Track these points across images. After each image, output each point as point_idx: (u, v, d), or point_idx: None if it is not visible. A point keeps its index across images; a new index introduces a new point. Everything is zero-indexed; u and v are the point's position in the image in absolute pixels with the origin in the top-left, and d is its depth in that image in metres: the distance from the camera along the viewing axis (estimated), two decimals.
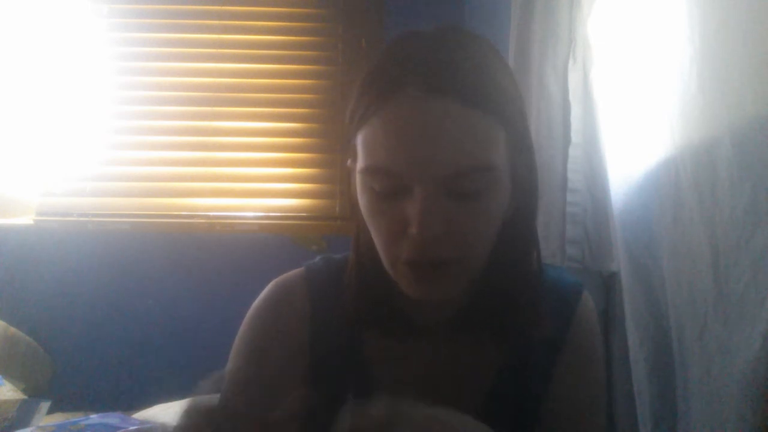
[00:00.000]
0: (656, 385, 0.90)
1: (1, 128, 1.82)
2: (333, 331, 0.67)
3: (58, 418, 1.37)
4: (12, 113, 1.83)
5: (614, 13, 1.04)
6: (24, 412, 1.31)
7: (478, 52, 0.58)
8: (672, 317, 0.85)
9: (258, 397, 0.65)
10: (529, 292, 0.65)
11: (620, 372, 1.03)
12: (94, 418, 1.22)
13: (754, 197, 0.66)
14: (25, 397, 1.40)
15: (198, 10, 1.89)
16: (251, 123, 1.89)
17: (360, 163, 0.58)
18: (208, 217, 1.81)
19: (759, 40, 0.66)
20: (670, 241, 0.86)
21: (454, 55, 0.56)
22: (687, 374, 0.81)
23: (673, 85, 0.83)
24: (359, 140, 0.58)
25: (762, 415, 0.63)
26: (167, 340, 1.73)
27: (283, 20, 1.93)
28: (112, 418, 1.21)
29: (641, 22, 0.94)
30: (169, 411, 1.31)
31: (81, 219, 1.77)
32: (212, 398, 0.64)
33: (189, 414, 0.48)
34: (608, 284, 1.11)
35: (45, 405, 1.35)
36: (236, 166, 1.86)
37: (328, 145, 1.87)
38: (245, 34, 1.92)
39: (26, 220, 1.77)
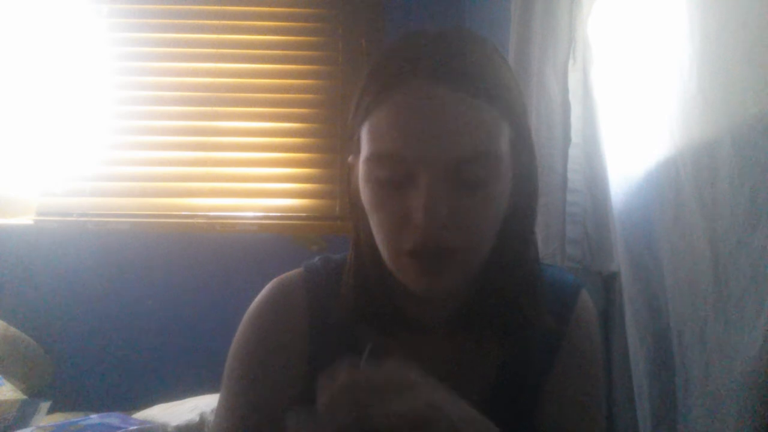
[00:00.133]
0: (656, 385, 0.90)
1: (1, 128, 1.82)
2: (332, 330, 0.67)
3: (58, 418, 1.37)
4: (12, 113, 1.83)
5: (614, 13, 1.04)
6: (24, 412, 1.31)
7: (483, 49, 0.59)
8: (672, 317, 0.85)
9: (257, 397, 0.65)
10: (528, 290, 0.65)
11: (620, 372, 1.03)
12: (94, 418, 1.22)
13: (754, 197, 0.66)
14: (25, 397, 1.40)
15: (198, 10, 1.90)
16: (251, 123, 1.89)
17: (365, 152, 0.58)
18: (208, 217, 1.81)
19: (759, 40, 0.66)
20: (670, 241, 0.86)
21: (460, 50, 0.57)
22: (687, 374, 0.81)
23: (673, 85, 0.83)
24: (364, 130, 0.59)
25: (762, 415, 0.63)
26: (167, 340, 1.73)
27: (283, 20, 1.93)
28: (112, 418, 1.21)
29: (641, 22, 0.94)
30: (169, 411, 1.32)
31: (81, 219, 1.77)
32: None
33: None
34: (608, 284, 1.11)
35: (45, 405, 1.35)
36: (236, 166, 1.86)
37: (328, 145, 1.87)
38: (245, 34, 1.92)
39: (26, 220, 1.77)
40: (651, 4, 0.91)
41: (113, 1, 1.87)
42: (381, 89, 0.57)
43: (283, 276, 0.73)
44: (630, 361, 0.96)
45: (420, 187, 0.54)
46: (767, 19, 0.65)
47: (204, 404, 1.31)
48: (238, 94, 1.88)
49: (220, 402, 0.69)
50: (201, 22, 1.90)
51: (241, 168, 1.87)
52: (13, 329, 1.54)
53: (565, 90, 1.14)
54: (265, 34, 1.93)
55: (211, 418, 1.26)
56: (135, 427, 1.18)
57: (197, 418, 1.26)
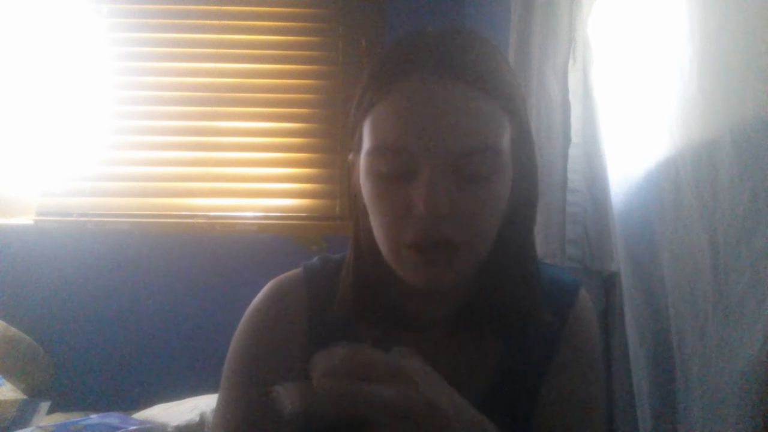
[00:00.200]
0: (656, 385, 0.90)
1: (1, 128, 1.82)
2: (331, 330, 0.67)
3: (58, 418, 1.37)
4: (12, 113, 1.83)
5: (614, 13, 1.04)
6: (24, 412, 1.31)
7: (485, 47, 0.59)
8: (672, 317, 0.85)
9: (256, 397, 0.65)
10: (527, 290, 0.65)
11: (620, 372, 1.03)
12: (94, 418, 1.22)
13: (754, 197, 0.66)
14: (25, 397, 1.40)
15: (198, 10, 1.90)
16: (251, 123, 1.89)
17: (367, 146, 0.59)
18: (208, 217, 1.81)
19: (759, 40, 0.66)
20: (670, 241, 0.86)
21: (462, 46, 0.58)
22: (687, 374, 0.81)
23: (673, 85, 0.83)
24: (367, 124, 0.59)
25: (762, 415, 0.63)
26: (167, 340, 1.73)
27: (283, 20, 1.93)
28: (112, 418, 1.21)
29: (641, 22, 0.94)
30: (169, 411, 1.32)
31: (81, 219, 1.77)
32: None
33: None
34: (608, 284, 1.11)
35: (45, 405, 1.35)
36: (236, 166, 1.86)
37: (328, 145, 1.87)
38: (245, 34, 1.92)
39: (26, 220, 1.77)
40: (651, 4, 0.91)
41: (113, 1, 1.87)
42: (384, 83, 0.57)
43: (281, 276, 0.73)
44: (630, 361, 0.96)
45: (422, 180, 0.54)
46: (767, 19, 0.65)
47: (204, 404, 1.31)
48: (238, 94, 1.88)
49: (219, 401, 0.69)
50: (201, 22, 1.90)
51: (241, 168, 1.87)
52: (13, 329, 1.54)
53: (565, 90, 1.14)
54: (265, 34, 1.93)
55: (211, 418, 1.26)
56: (135, 427, 1.18)
57: (197, 418, 1.26)
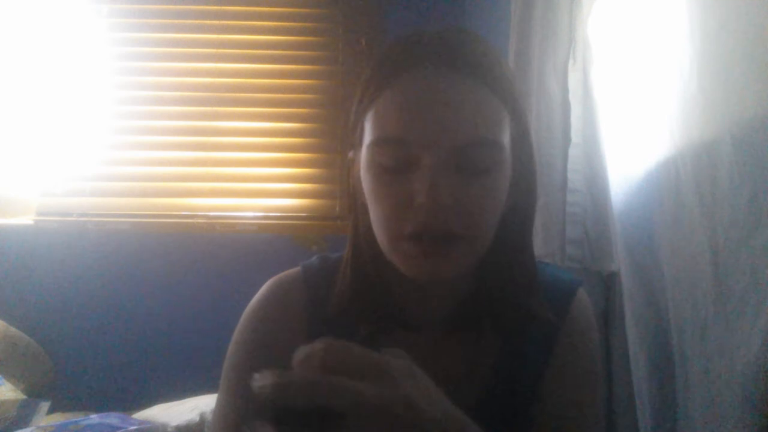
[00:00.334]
0: (656, 385, 0.90)
1: (1, 128, 1.82)
2: (329, 328, 0.66)
3: (58, 418, 1.37)
4: (12, 113, 1.83)
5: (614, 13, 1.04)
6: (24, 412, 1.31)
7: (485, 45, 0.60)
8: (672, 317, 0.85)
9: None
10: (526, 288, 0.65)
11: (620, 372, 1.03)
12: (94, 418, 1.22)
13: (754, 197, 0.67)
14: (25, 397, 1.40)
15: (198, 10, 1.90)
16: (251, 123, 1.89)
17: (368, 139, 0.59)
18: (208, 217, 1.81)
19: (759, 40, 0.66)
20: (670, 241, 0.86)
21: (463, 42, 0.58)
22: (687, 374, 0.81)
23: (673, 85, 0.83)
24: (369, 118, 0.59)
25: (762, 415, 0.63)
26: (167, 340, 1.73)
27: (283, 20, 1.93)
28: (112, 418, 1.21)
29: (641, 22, 0.94)
30: (169, 411, 1.32)
31: (81, 219, 1.77)
32: None
33: None
34: (608, 284, 1.11)
35: (45, 405, 1.35)
36: (236, 166, 1.86)
37: (328, 145, 1.87)
38: (245, 34, 1.92)
39: (26, 220, 1.77)
40: (651, 4, 0.91)
41: (113, 1, 1.87)
42: (385, 76, 0.58)
43: (280, 275, 0.73)
44: (630, 361, 0.96)
45: (423, 171, 0.55)
46: (767, 19, 0.65)
47: (204, 404, 1.31)
48: (238, 94, 1.88)
49: (218, 401, 0.69)
50: (201, 22, 1.90)
51: (241, 168, 1.87)
52: (13, 329, 1.54)
53: (565, 90, 1.14)
54: (265, 34, 1.93)
55: (210, 417, 1.26)
56: (135, 427, 1.18)
57: (197, 418, 1.26)
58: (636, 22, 0.96)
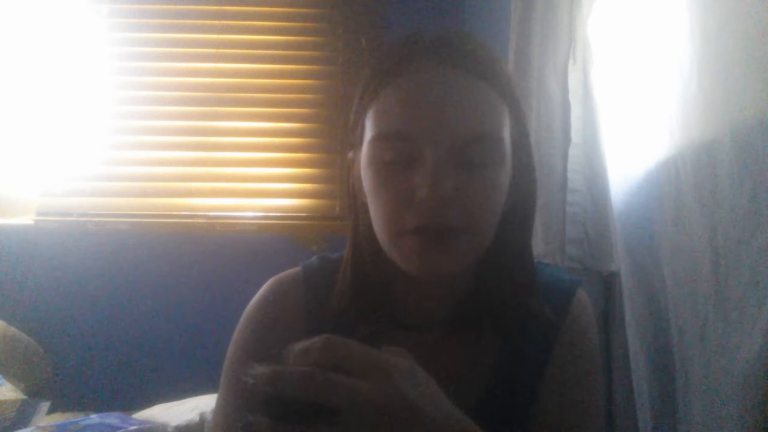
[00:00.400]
0: (656, 385, 0.90)
1: (1, 128, 1.82)
2: (329, 328, 0.66)
3: (58, 418, 1.37)
4: (12, 113, 1.83)
5: (614, 13, 1.04)
6: (24, 412, 1.31)
7: (485, 45, 0.61)
8: (672, 317, 0.85)
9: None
10: (525, 288, 0.65)
11: (620, 372, 1.03)
12: (94, 418, 1.22)
13: (754, 197, 0.67)
14: (25, 397, 1.40)
15: (198, 10, 1.89)
16: (251, 123, 1.89)
17: (370, 134, 0.59)
18: (208, 217, 1.81)
19: (759, 40, 0.66)
20: (670, 241, 0.86)
21: (463, 41, 0.59)
22: (687, 374, 0.81)
23: (673, 85, 0.83)
24: (370, 114, 0.59)
25: (762, 415, 0.63)
26: (167, 340, 1.73)
27: (283, 20, 1.93)
28: (112, 418, 1.21)
29: (641, 22, 0.94)
30: (169, 411, 1.32)
31: (81, 219, 1.77)
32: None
33: None
34: (608, 284, 1.11)
35: (45, 405, 1.35)
36: (236, 166, 1.86)
37: (328, 145, 1.87)
38: (245, 34, 1.92)
39: (26, 220, 1.77)
40: (651, 4, 0.91)
41: (113, 1, 1.87)
42: (387, 73, 0.58)
43: (280, 275, 0.73)
44: (630, 361, 0.96)
45: (426, 165, 0.55)
46: (767, 19, 0.65)
47: (204, 404, 1.31)
48: (238, 94, 1.88)
49: (218, 401, 0.69)
50: (201, 22, 1.90)
51: (241, 168, 1.87)
52: (13, 329, 1.54)
53: (565, 90, 1.14)
54: (265, 34, 1.93)
55: (210, 417, 1.26)
56: (135, 427, 1.18)
57: (197, 418, 1.26)
58: (636, 22, 0.96)
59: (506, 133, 0.58)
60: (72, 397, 1.55)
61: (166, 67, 1.88)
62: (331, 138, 1.87)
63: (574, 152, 1.14)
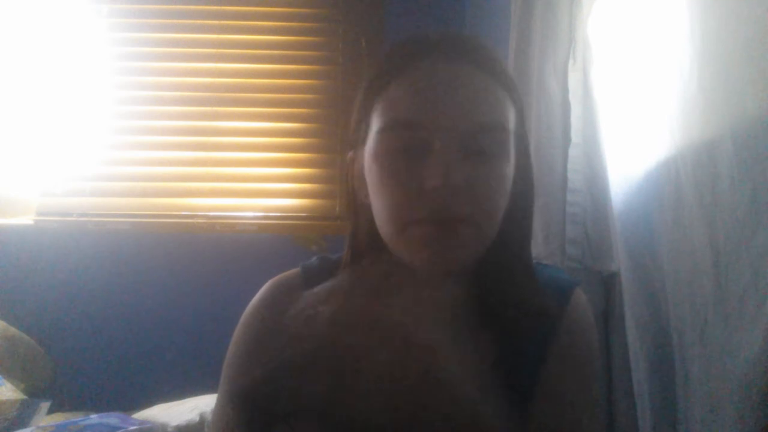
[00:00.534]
0: (656, 385, 0.90)
1: (1, 128, 1.82)
2: None
3: (58, 418, 1.37)
4: (12, 113, 1.83)
5: (614, 13, 1.04)
6: (24, 412, 1.31)
7: (486, 44, 0.62)
8: (672, 317, 0.85)
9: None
10: (524, 288, 0.65)
11: (620, 372, 1.03)
12: (94, 418, 1.22)
13: (754, 197, 0.67)
14: (25, 397, 1.40)
15: (198, 10, 1.89)
16: (251, 123, 1.89)
17: (378, 126, 0.59)
18: (208, 217, 1.81)
19: (759, 40, 0.66)
20: (670, 241, 0.86)
21: (466, 40, 0.61)
22: (687, 374, 0.81)
23: (673, 85, 0.83)
24: (377, 106, 0.59)
25: (762, 415, 0.63)
26: (167, 340, 1.73)
27: (283, 20, 1.93)
28: (112, 418, 1.21)
29: (641, 22, 0.94)
30: (169, 411, 1.32)
31: (81, 219, 1.77)
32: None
33: None
34: (608, 284, 1.11)
35: (45, 405, 1.35)
36: (236, 166, 1.86)
37: (328, 145, 1.87)
38: (245, 34, 1.92)
39: (26, 220, 1.77)
40: (651, 4, 0.91)
41: (113, 1, 1.87)
42: (395, 67, 0.59)
43: (280, 275, 0.73)
44: (630, 361, 0.96)
45: (436, 154, 0.55)
46: (767, 19, 0.65)
47: (204, 404, 1.31)
48: (238, 94, 1.88)
49: (217, 401, 0.69)
50: (201, 22, 1.90)
51: (241, 168, 1.87)
52: (13, 329, 1.54)
53: (565, 90, 1.14)
54: (265, 34, 1.93)
55: (210, 417, 1.26)
56: (135, 427, 1.18)
57: (197, 418, 1.26)
58: (636, 22, 0.96)
59: (512, 125, 0.59)
60: (72, 397, 1.54)
61: (166, 67, 1.88)
62: (331, 138, 1.87)
63: (574, 152, 1.14)
